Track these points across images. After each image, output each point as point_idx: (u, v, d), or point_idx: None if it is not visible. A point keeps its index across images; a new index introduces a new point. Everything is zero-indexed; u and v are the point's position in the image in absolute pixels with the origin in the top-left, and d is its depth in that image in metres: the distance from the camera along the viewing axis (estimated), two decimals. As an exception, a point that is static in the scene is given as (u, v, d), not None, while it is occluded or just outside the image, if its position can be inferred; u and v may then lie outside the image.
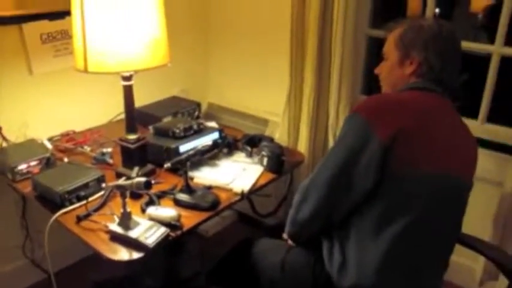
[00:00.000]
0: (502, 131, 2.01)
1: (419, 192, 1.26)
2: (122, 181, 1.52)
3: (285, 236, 1.60)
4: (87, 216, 1.55)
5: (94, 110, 2.31)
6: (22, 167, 1.79)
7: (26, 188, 1.74)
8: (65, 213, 1.57)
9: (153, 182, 1.59)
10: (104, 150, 1.95)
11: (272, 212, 2.01)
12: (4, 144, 1.97)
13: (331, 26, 2.07)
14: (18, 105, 2.04)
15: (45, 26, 2.01)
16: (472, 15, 3.33)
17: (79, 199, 1.62)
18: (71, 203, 1.61)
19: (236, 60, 2.66)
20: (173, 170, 1.75)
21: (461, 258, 1.52)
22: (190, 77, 2.72)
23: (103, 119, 2.32)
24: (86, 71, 1.55)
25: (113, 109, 2.28)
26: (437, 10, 2.79)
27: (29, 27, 1.96)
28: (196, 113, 2.33)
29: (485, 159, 1.80)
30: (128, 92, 1.70)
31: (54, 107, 2.17)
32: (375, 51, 2.27)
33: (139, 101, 1.96)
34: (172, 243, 1.48)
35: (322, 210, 1.35)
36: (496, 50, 1.95)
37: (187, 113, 2.28)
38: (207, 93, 2.80)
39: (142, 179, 1.40)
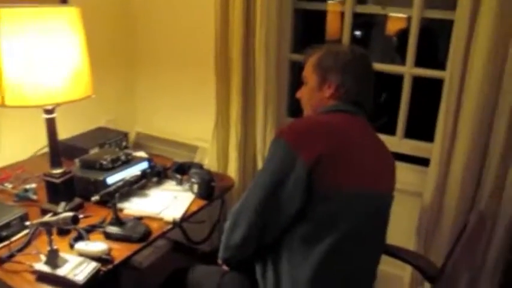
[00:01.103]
0: (418, 145, 2.15)
1: (344, 211, 1.32)
2: (47, 217, 1.46)
3: (219, 261, 1.61)
4: (10, 257, 1.48)
5: (15, 144, 2.22)
6: None
7: None
8: (-15, 256, 1.49)
9: (81, 216, 1.56)
10: (27, 186, 1.87)
11: (205, 239, 2.01)
12: None
13: (254, 54, 2.15)
14: None
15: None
16: (387, 37, 3.56)
17: (0, 240, 1.55)
18: (-9, 245, 1.53)
19: (163, 89, 2.67)
20: (102, 203, 1.72)
21: (390, 267, 1.61)
22: (117, 107, 2.69)
23: (26, 153, 2.23)
24: (3, 105, 1.50)
25: (36, 142, 2.20)
26: (358, 33, 2.97)
27: None
28: (124, 143, 2.30)
29: (405, 173, 1.92)
30: (51, 125, 1.66)
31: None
32: (299, 74, 2.37)
33: (64, 133, 1.92)
34: (105, 277, 1.44)
35: (253, 234, 1.37)
36: (407, 70, 2.10)
37: (115, 144, 2.24)
38: (135, 123, 2.77)
39: (69, 214, 1.37)
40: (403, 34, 2.25)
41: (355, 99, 1.46)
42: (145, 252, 1.62)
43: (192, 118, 2.58)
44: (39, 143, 2.10)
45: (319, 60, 1.49)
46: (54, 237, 1.44)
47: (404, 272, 2.09)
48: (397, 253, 1.63)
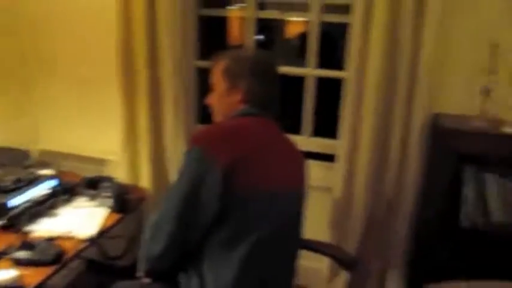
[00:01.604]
0: (325, 142, 2.26)
1: (261, 212, 1.35)
2: None
3: (139, 274, 1.58)
4: None
5: None
6: None
7: None
8: None
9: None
10: None
11: (124, 253, 1.95)
12: None
13: (159, 63, 2.13)
14: None
15: None
16: (288, 40, 3.70)
17: None
18: None
19: (65, 104, 2.54)
20: (7, 228, 1.61)
21: (308, 261, 1.67)
22: (14, 126, 2.51)
23: None
24: None
25: None
26: (261, 37, 3.04)
27: None
28: (27, 162, 2.16)
29: (315, 169, 2.00)
30: None
31: None
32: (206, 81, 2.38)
33: None
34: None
35: (173, 243, 1.36)
36: (310, 72, 2.20)
37: (17, 163, 2.10)
38: (38, 140, 2.61)
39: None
40: (304, 37, 2.35)
41: (263, 102, 1.50)
42: (59, 275, 1.54)
43: (98, 131, 2.48)
44: None
45: (227, 66, 1.51)
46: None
47: (322, 264, 2.19)
48: (314, 246, 1.69)
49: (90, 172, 2.18)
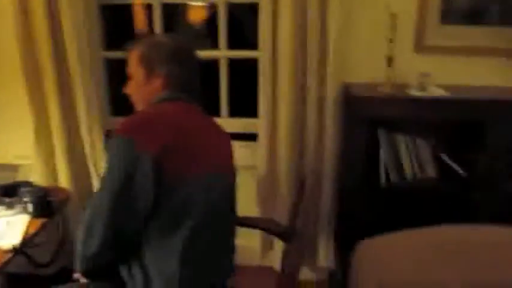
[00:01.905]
0: (243, 122, 2.30)
1: (195, 195, 1.35)
2: None
3: (76, 275, 1.53)
4: None
5: None
6: None
7: None
8: None
9: None
10: None
11: (53, 259, 1.87)
12: None
13: (65, 56, 2.03)
14: None
15: None
16: (190, 25, 3.66)
17: None
18: None
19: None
20: None
21: (241, 240, 1.71)
22: None
23: None
24: None
25: None
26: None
27: None
28: None
29: (238, 149, 2.04)
30: None
31: None
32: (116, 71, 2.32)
33: None
34: None
35: (110, 238, 1.33)
36: (222, 54, 2.22)
37: None
38: None
39: None
40: (209, 20, 2.36)
41: (184, 86, 1.49)
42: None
43: (6, 136, 2.32)
44: None
45: (143, 53, 1.48)
46: None
47: (254, 241, 2.25)
48: (248, 222, 1.74)
49: (2, 180, 2.04)
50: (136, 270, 1.36)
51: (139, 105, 1.55)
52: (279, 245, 2.20)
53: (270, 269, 2.14)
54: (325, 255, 2.19)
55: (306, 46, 1.94)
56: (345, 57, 2.00)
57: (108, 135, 2.16)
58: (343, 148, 2.04)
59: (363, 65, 2.07)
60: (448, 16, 2.03)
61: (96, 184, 2.18)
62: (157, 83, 1.47)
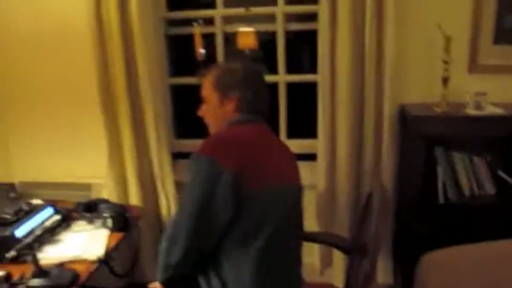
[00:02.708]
0: (303, 143, 2.39)
1: (270, 208, 1.46)
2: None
3: (152, 286, 1.65)
4: None
5: None
6: None
7: None
8: None
9: None
10: None
11: (131, 268, 2.00)
12: None
13: (137, 84, 2.20)
14: None
15: None
16: (241, 51, 3.80)
17: None
18: None
19: (40, 134, 2.54)
20: (15, 259, 1.62)
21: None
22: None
23: None
24: None
25: None
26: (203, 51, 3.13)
27: None
28: (13, 194, 2.16)
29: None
30: None
31: None
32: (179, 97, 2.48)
33: None
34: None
35: (191, 248, 1.44)
36: (281, 78, 2.34)
37: (5, 197, 2.10)
38: (14, 173, 2.58)
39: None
40: (263, 46, 2.49)
41: (256, 109, 1.61)
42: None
43: (78, 157, 2.50)
44: None
45: (218, 78, 1.61)
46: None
47: (314, 258, 2.33)
48: (312, 237, 1.82)
49: (75, 198, 2.19)
50: (214, 281, 1.46)
51: (213, 127, 1.67)
52: (338, 261, 2.27)
53: (331, 286, 2.20)
54: (383, 272, 2.23)
55: (363, 70, 2.04)
56: (401, 78, 2.08)
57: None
58: (401, 166, 2.10)
59: (418, 86, 2.15)
60: (500, 36, 2.10)
61: (163, 202, 2.31)
62: (230, 106, 1.59)
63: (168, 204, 2.31)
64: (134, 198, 2.30)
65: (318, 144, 2.18)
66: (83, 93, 2.35)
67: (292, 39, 2.65)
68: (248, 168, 1.41)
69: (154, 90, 2.20)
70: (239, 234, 1.43)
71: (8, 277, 1.32)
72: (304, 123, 2.31)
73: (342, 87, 2.05)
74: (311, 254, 2.31)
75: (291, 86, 2.39)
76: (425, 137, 1.95)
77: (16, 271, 1.61)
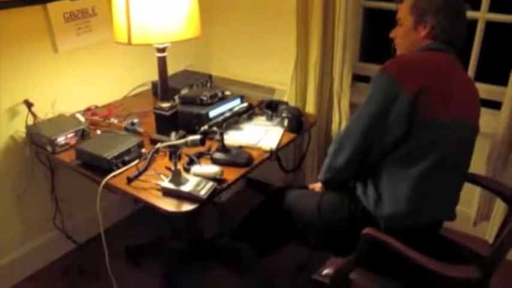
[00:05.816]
0: (491, 89, 2.23)
1: (441, 138, 1.47)
2: (170, 142, 1.65)
3: (312, 185, 1.82)
4: (137, 176, 1.70)
5: (111, 86, 2.43)
6: (61, 139, 1.90)
7: (67, 158, 1.86)
8: (114, 176, 1.70)
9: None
10: (132, 120, 2.06)
11: (297, 166, 2.21)
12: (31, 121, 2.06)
13: (333, 4, 2.25)
14: (45, 82, 2.13)
15: (67, 5, 2.10)
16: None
17: (124, 163, 1.76)
18: (118, 168, 1.73)
19: (236, 35, 2.79)
20: (205, 134, 1.90)
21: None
22: (192, 53, 2.82)
23: (118, 95, 2.44)
24: (129, 43, 1.68)
25: (127, 85, 2.44)
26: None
27: (53, 7, 2.05)
28: (209, 84, 2.48)
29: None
30: (162, 63, 1.84)
31: (76, 83, 2.27)
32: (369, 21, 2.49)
33: (152, 76, 2.11)
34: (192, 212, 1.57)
35: (356, 156, 1.55)
36: (482, 16, 2.18)
37: (202, 85, 2.42)
38: (210, 67, 2.91)
39: (197, 137, 1.56)
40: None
41: (448, 38, 1.57)
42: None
43: (267, 64, 2.70)
44: (130, 84, 2.43)
45: (415, 2, 1.60)
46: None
47: (470, 208, 2.27)
48: (476, 179, 1.76)
49: (258, 98, 2.42)
50: (371, 191, 1.55)
51: (402, 50, 1.68)
52: (495, 218, 2.18)
53: (482, 240, 2.15)
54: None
55: None
56: None
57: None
58: None
59: None
60: None
61: (336, 118, 2.42)
62: (423, 32, 1.58)
63: (340, 120, 2.40)
64: (311, 108, 2.45)
65: (508, 91, 2.03)
66: (280, 7, 2.49)
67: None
68: (429, 94, 1.43)
69: (349, 10, 2.24)
70: (405, 153, 1.48)
71: (202, 141, 1.57)
72: (496, 69, 2.14)
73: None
74: (469, 205, 2.24)
75: (490, 26, 2.21)
76: None
77: (207, 144, 1.89)
